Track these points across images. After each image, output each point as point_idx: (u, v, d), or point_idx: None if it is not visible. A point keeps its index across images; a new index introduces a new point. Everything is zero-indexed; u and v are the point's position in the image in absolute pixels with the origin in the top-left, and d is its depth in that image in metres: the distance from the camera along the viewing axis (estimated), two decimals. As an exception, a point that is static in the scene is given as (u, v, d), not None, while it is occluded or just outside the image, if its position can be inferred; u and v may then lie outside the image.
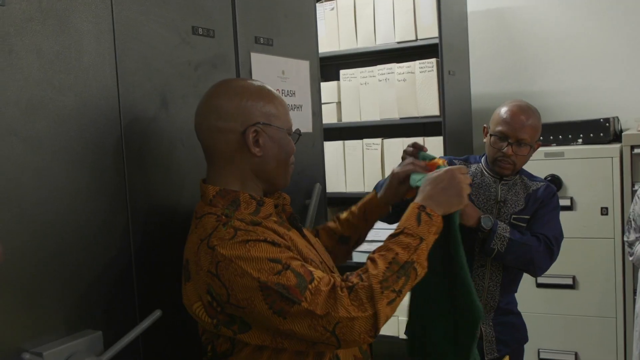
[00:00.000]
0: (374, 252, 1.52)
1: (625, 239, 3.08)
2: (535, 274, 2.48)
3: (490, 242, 2.33)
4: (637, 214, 2.99)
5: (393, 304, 1.45)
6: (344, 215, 1.99)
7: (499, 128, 2.39)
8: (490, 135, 2.44)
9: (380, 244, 1.55)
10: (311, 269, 1.44)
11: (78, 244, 1.49)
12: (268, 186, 1.63)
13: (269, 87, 1.62)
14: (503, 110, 2.42)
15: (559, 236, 2.45)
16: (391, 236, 1.54)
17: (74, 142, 1.48)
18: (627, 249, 3.07)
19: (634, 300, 3.55)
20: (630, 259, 3.04)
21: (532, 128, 2.39)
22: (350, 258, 2.03)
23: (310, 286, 1.39)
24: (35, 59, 1.40)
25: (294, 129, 1.66)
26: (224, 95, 1.55)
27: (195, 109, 1.60)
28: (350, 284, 1.42)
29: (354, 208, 2.00)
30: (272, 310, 1.37)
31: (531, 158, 2.50)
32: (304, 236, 1.69)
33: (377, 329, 1.42)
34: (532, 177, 2.55)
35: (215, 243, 1.42)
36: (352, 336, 1.39)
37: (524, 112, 2.39)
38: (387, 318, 1.44)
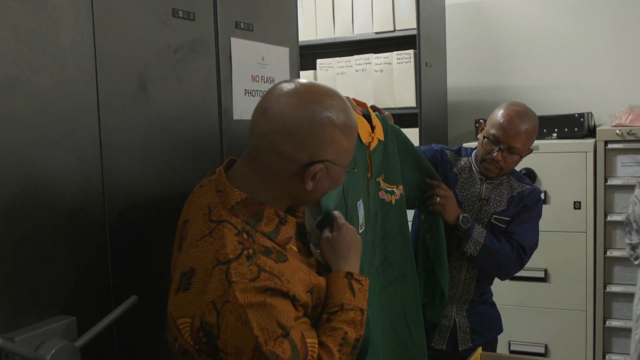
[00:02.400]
0: (318, 332, 1.43)
1: (627, 241, 3.03)
2: (502, 278, 2.52)
3: (464, 245, 2.36)
4: (638, 214, 2.94)
5: None
6: None
7: (493, 131, 2.35)
8: (484, 136, 2.40)
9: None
10: (309, 340, 1.37)
11: (53, 228, 1.45)
12: (297, 205, 1.55)
13: (353, 114, 1.47)
14: (500, 114, 2.36)
15: (534, 246, 2.46)
16: (330, 313, 1.46)
17: (50, 123, 1.44)
18: (629, 252, 3.02)
19: (604, 293, 3.61)
20: (636, 262, 2.98)
21: (526, 136, 2.34)
22: None
23: None
24: (11, 36, 1.35)
25: None
26: (304, 117, 1.37)
27: (260, 106, 1.43)
28: None
29: None
30: None
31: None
32: (310, 253, 1.59)
33: None
34: (520, 178, 2.53)
35: (234, 279, 1.29)
36: None
37: (521, 118, 2.33)
38: None
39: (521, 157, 2.41)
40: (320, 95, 1.41)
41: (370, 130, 2.00)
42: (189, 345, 1.36)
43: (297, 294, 1.36)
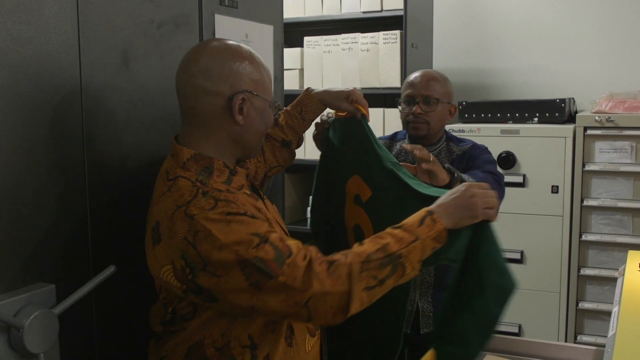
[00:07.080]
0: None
1: None
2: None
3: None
4: None
5: (372, 291, 1.45)
6: (281, 118, 2.02)
7: (406, 92, 2.41)
8: (399, 102, 2.46)
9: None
10: (289, 242, 1.44)
11: (33, 196, 1.49)
12: (242, 155, 1.64)
13: (258, 55, 1.61)
14: (409, 78, 2.44)
15: (501, 177, 2.34)
16: (390, 228, 1.53)
17: (31, 94, 1.47)
18: None
19: (578, 276, 3.69)
20: None
21: (436, 84, 2.39)
22: (293, 159, 2.09)
23: (287, 260, 1.39)
24: (-6, 8, 1.38)
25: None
26: (215, 56, 1.53)
27: (178, 68, 1.57)
28: (331, 259, 1.44)
29: (289, 108, 2.05)
30: (248, 282, 1.37)
31: (487, 134, 2.48)
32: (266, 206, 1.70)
33: (348, 310, 1.42)
34: (459, 141, 2.50)
35: (194, 212, 1.40)
36: (323, 310, 1.40)
37: (428, 74, 2.42)
38: (362, 304, 1.44)
39: (440, 103, 2.37)
40: (225, 42, 1.59)
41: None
42: (176, 289, 1.44)
43: (255, 213, 1.47)
